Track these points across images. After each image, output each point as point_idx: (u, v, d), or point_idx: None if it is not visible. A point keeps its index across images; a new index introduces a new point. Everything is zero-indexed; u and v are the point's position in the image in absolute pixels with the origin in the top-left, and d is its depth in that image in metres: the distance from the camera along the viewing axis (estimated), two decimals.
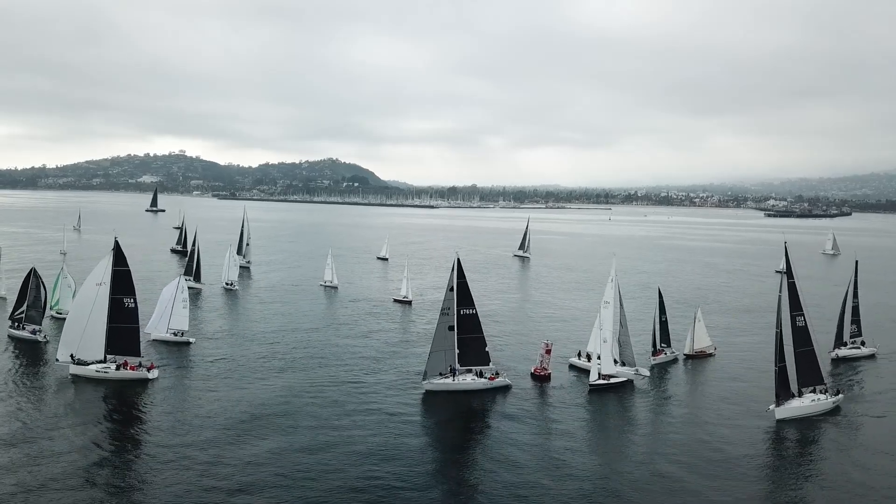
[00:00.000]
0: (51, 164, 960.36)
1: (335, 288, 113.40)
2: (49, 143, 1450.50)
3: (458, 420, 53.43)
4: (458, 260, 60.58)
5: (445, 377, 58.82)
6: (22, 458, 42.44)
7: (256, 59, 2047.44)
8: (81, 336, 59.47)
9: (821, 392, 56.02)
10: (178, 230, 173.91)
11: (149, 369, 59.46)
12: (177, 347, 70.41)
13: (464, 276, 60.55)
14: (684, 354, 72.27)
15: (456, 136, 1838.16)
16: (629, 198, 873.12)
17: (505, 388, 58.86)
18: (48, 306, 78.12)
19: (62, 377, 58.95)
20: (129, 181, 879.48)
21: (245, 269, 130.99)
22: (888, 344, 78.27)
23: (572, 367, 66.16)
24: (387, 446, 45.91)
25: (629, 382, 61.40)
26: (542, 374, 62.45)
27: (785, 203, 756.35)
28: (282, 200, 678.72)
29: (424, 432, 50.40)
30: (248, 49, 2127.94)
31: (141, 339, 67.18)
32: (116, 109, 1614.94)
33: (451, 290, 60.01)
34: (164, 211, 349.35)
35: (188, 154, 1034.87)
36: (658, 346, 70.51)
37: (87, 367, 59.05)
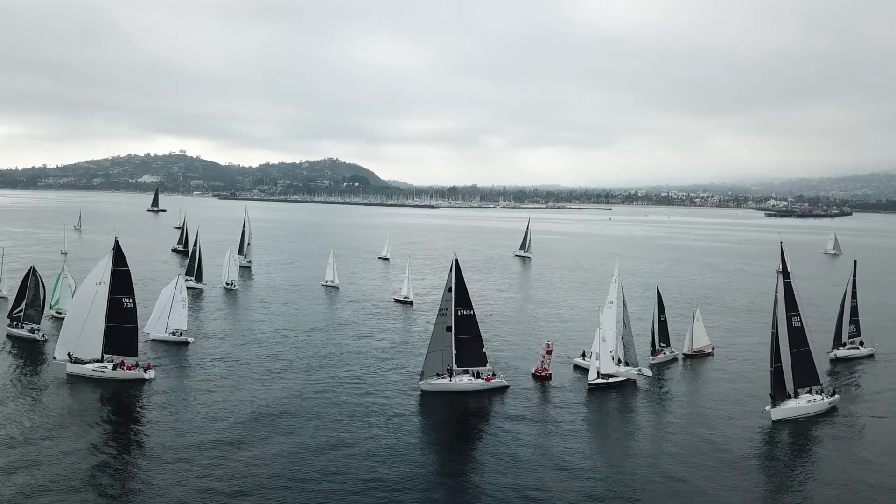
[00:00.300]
0: (51, 164, 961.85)
1: (336, 288, 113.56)
2: (49, 143, 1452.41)
3: (458, 420, 53.60)
4: (457, 260, 60.72)
5: (442, 377, 58.98)
6: (17, 458, 42.23)
7: (256, 59, 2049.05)
8: (79, 335, 59.62)
9: (817, 393, 56.03)
10: (179, 230, 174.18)
11: (145, 370, 59.46)
12: (175, 347, 70.53)
13: (462, 277, 60.67)
14: (683, 354, 72.42)
15: (456, 136, 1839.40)
16: (629, 198, 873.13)
17: (502, 389, 58.91)
18: (48, 306, 78.38)
19: (59, 376, 59.06)
20: (130, 181, 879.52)
21: (246, 269, 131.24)
22: (887, 344, 78.36)
23: (577, 367, 66.27)
24: (387, 447, 45.98)
25: (628, 382, 61.60)
26: (542, 374, 62.59)
27: (785, 203, 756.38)
28: (282, 200, 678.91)
29: (425, 433, 50.58)
30: (248, 49, 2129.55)
31: (140, 339, 67.38)
32: (116, 109, 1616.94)
33: (450, 290, 60.13)
34: (165, 211, 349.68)
35: (188, 154, 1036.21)
36: (657, 346, 70.71)
37: (84, 366, 59.17)
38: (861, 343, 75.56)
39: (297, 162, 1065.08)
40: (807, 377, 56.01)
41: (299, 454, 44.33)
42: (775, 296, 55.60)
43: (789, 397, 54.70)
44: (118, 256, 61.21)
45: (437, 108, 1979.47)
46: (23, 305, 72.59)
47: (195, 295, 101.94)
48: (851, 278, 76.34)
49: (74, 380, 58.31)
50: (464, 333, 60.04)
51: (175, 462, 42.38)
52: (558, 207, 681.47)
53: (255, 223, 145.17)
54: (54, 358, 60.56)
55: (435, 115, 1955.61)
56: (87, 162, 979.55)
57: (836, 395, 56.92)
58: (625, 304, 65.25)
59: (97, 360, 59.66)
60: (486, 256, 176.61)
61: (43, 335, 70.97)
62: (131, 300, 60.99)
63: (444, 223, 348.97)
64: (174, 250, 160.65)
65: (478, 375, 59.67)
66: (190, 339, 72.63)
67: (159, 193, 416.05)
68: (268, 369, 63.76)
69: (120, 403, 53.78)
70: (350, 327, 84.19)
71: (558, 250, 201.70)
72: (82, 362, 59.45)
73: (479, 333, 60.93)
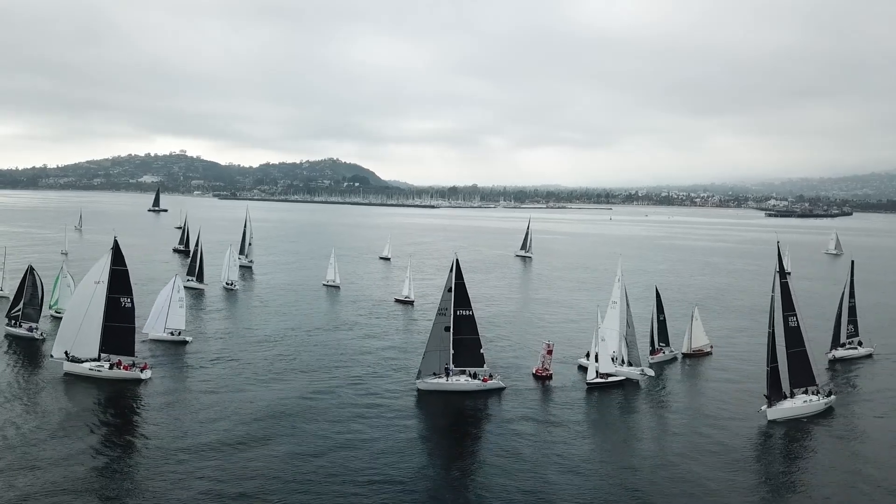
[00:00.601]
0: (51, 164, 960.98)
1: (337, 287, 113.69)
2: (50, 143, 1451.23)
3: (458, 420, 53.80)
4: (457, 261, 60.87)
5: (439, 377, 59.06)
6: (11, 459, 42.11)
7: (256, 59, 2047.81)
8: (77, 333, 59.80)
9: (813, 393, 56.09)
10: (180, 230, 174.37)
11: (142, 369, 59.53)
12: (173, 347, 70.66)
13: (462, 277, 60.79)
14: (682, 353, 72.56)
15: (456, 136, 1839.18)
16: (630, 198, 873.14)
17: (498, 390, 58.93)
18: (48, 305, 78.65)
19: (55, 375, 59.26)
20: (130, 181, 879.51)
21: (247, 269, 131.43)
22: (886, 344, 78.55)
23: (581, 367, 66.34)
24: (386, 448, 46.00)
25: (627, 381, 61.84)
26: (543, 374, 62.68)
27: (786, 203, 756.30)
28: (282, 200, 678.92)
29: (424, 434, 50.73)
30: (248, 49, 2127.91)
31: (138, 339, 67.25)
32: (117, 109, 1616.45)
33: (449, 290, 60.27)
34: (166, 211, 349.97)
35: (189, 154, 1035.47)
36: (656, 346, 70.87)
37: (80, 364, 59.34)
38: (860, 343, 75.66)
39: (298, 162, 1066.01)
40: (803, 377, 56.07)
41: (299, 455, 44.32)
42: (772, 295, 55.68)
43: (785, 397, 54.81)
44: (117, 256, 61.40)
45: (437, 108, 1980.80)
46: (21, 305, 72.83)
47: (196, 295, 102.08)
48: (849, 279, 76.52)
49: (70, 379, 58.45)
50: (462, 334, 60.18)
51: (171, 464, 42.02)
52: (559, 207, 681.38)
53: (255, 223, 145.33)
54: (51, 356, 60.81)
55: (435, 115, 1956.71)
56: (87, 162, 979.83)
57: (833, 396, 57.02)
58: (628, 304, 65.31)
59: (94, 359, 59.80)
60: (487, 256, 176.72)
61: (41, 333, 71.17)
62: (129, 300, 61.18)
63: (445, 223, 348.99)
64: (175, 250, 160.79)
65: (474, 376, 59.74)
66: (188, 339, 72.79)
67: (160, 193, 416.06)
68: (267, 369, 63.90)
69: (116, 403, 53.76)
70: (351, 327, 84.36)
71: (559, 250, 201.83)
72: (79, 361, 59.61)
73: (478, 334, 61.03)
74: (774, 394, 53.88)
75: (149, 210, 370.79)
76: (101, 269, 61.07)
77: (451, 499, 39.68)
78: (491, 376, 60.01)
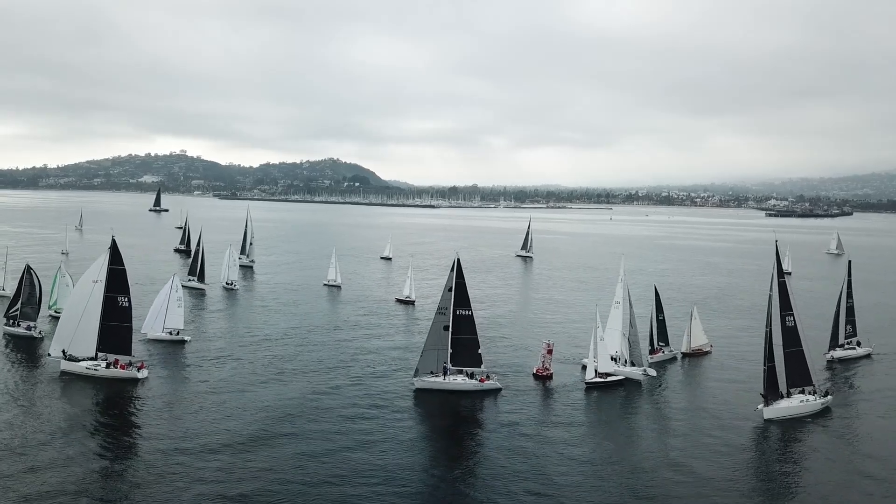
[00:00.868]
0: (52, 164, 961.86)
1: (339, 287, 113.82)
2: (50, 143, 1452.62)
3: (456, 420, 53.92)
4: (458, 260, 60.98)
5: (436, 376, 59.21)
6: (7, 457, 42.12)
7: (256, 59, 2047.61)
8: (74, 332, 60.05)
9: (810, 393, 56.22)
10: (181, 230, 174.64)
11: (139, 369, 59.70)
12: (172, 346, 70.84)
13: (462, 277, 60.92)
14: (681, 353, 72.67)
15: (456, 136, 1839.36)
16: (630, 198, 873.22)
17: (495, 391, 58.98)
18: (47, 305, 78.92)
19: (53, 374, 59.55)
20: (131, 181, 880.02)
21: (248, 269, 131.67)
22: (885, 344, 78.68)
23: (584, 367, 66.37)
24: (385, 448, 46.00)
25: (626, 381, 61.99)
26: (543, 373, 62.78)
27: (786, 203, 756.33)
28: (283, 200, 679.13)
29: (423, 434, 50.97)
30: (248, 49, 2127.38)
31: (137, 339, 67.25)
32: (117, 109, 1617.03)
33: (450, 290, 60.40)
34: (167, 210, 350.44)
35: (189, 154, 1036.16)
36: (656, 345, 70.94)
37: (77, 363, 59.57)
38: (858, 343, 75.75)
39: (298, 162, 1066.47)
40: (799, 377, 56.23)
41: (297, 455, 44.21)
42: (769, 294, 55.82)
43: (782, 397, 54.94)
44: (114, 255, 61.66)
45: (437, 108, 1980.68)
46: (19, 304, 73.08)
47: (196, 295, 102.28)
48: (846, 279, 76.66)
49: (67, 377, 58.72)
50: (461, 333, 60.31)
51: (167, 465, 41.90)
52: (559, 207, 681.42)
53: (256, 223, 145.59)
54: (48, 355, 61.06)
55: (435, 115, 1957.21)
56: (87, 162, 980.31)
57: (829, 396, 57.08)
58: (631, 304, 65.34)
59: (91, 358, 59.97)
60: (488, 256, 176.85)
61: (40, 332, 71.48)
62: (127, 299, 61.40)
63: (445, 223, 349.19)
64: (176, 250, 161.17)
65: (471, 376, 59.85)
66: (187, 339, 72.94)
67: (160, 193, 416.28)
68: (266, 369, 63.97)
69: (112, 403, 53.85)
70: (351, 327, 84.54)
71: (560, 250, 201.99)
72: (76, 360, 59.82)
73: (476, 334, 61.09)
74: (771, 393, 54.08)
75: (150, 210, 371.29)
76: (99, 269, 61.30)
77: (450, 499, 39.81)
78: (488, 377, 60.06)
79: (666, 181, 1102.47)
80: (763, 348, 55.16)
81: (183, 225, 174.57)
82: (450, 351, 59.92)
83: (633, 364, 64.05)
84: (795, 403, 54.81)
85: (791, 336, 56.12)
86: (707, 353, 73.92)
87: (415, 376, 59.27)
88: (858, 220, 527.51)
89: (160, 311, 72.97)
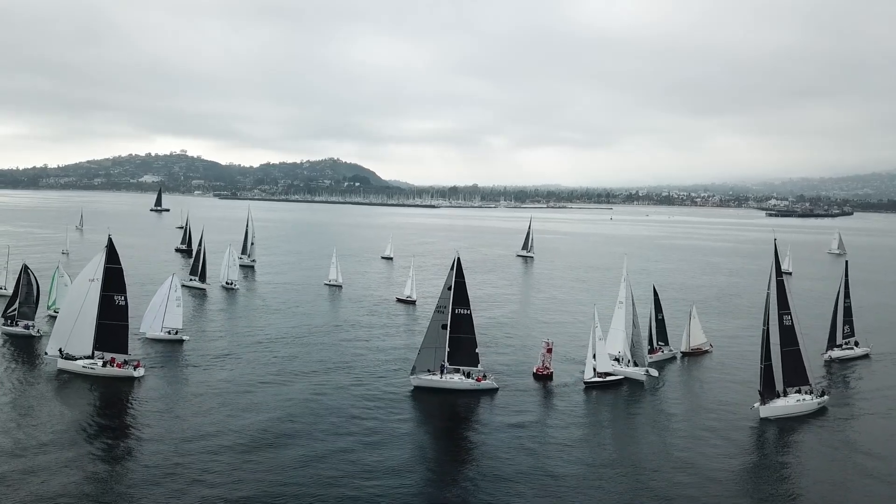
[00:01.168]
0: (52, 164, 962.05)
1: (340, 287, 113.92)
2: (50, 143, 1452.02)
3: (455, 420, 54.03)
4: (458, 259, 61.11)
5: (433, 374, 59.27)
6: (2, 456, 42.30)
7: (257, 59, 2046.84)
8: (71, 330, 60.36)
9: (806, 392, 56.33)
10: (182, 230, 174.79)
11: (135, 367, 59.92)
12: (170, 345, 71.04)
13: (462, 276, 61.08)
14: (681, 352, 72.72)
15: (457, 136, 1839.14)
16: (630, 197, 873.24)
17: (492, 391, 59.00)
18: (46, 305, 79.09)
19: (50, 372, 59.84)
20: (131, 181, 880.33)
21: (249, 269, 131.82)
22: (883, 344, 78.82)
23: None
24: (383, 448, 46.00)
25: (625, 380, 62.11)
26: (543, 373, 62.86)
27: (786, 203, 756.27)
28: (283, 200, 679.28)
29: (423, 434, 51.05)
30: (248, 49, 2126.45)
31: (135, 338, 67.56)
32: (117, 109, 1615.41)
33: (449, 288, 60.51)
34: (168, 210, 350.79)
35: (189, 154, 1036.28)
36: (655, 345, 70.96)
37: (74, 362, 59.84)
38: (856, 344, 75.83)
39: (298, 162, 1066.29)
40: (796, 376, 56.35)
41: (295, 455, 44.16)
42: (767, 293, 55.92)
43: (778, 396, 55.02)
44: (111, 254, 61.90)
45: (437, 108, 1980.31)
46: (17, 303, 73.33)
47: (198, 295, 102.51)
48: (844, 279, 76.83)
49: (64, 376, 58.96)
50: (459, 332, 60.46)
51: (163, 465, 41.70)
52: (559, 207, 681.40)
53: (257, 223, 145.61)
54: (45, 353, 61.34)
55: (435, 115, 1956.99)
56: (88, 162, 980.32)
57: (826, 396, 57.18)
58: (633, 304, 65.34)
59: (88, 357, 60.16)
60: (489, 256, 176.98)
61: (38, 330, 71.66)
62: (123, 298, 61.70)
63: (446, 223, 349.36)
64: (178, 250, 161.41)
65: (468, 375, 59.93)
66: (185, 338, 73.07)
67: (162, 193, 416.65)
68: (266, 369, 63.98)
69: (108, 402, 54.03)
70: (352, 326, 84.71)
71: (560, 250, 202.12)
72: (73, 358, 60.05)
73: (474, 333, 61.21)
74: (767, 392, 54.19)
75: (151, 210, 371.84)
76: (96, 267, 61.53)
77: (448, 499, 39.85)
78: (485, 376, 60.13)
79: (666, 181, 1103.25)
80: (760, 347, 55.17)
81: (184, 225, 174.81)
82: (447, 349, 60.06)
83: (635, 364, 64.03)
84: (792, 403, 55.00)
85: (788, 335, 56.24)
86: (706, 352, 74.10)
87: (412, 374, 59.44)
88: (859, 219, 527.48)
89: (159, 310, 73.16)
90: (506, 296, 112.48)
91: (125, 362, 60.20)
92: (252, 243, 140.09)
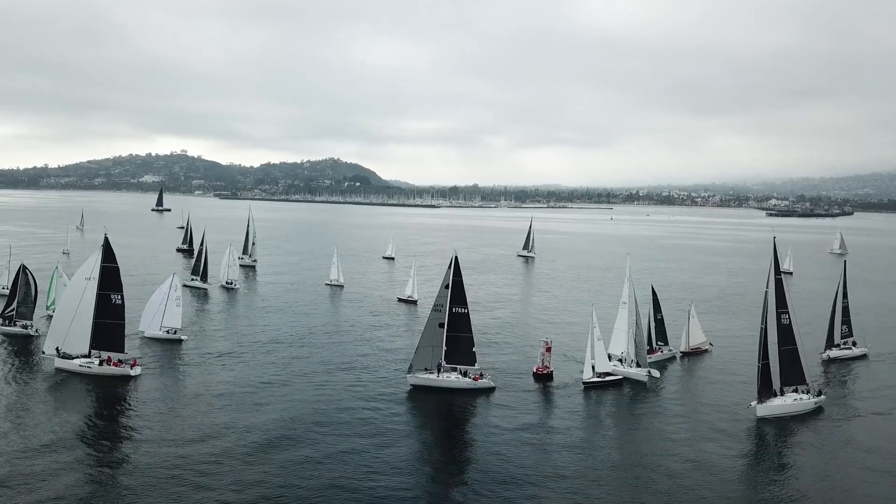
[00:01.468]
0: (52, 164, 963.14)
1: (341, 287, 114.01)
2: (50, 142, 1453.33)
3: (453, 420, 53.99)
4: (456, 258, 61.27)
5: (430, 373, 59.35)
6: None
7: (257, 59, 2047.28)
8: (68, 330, 60.58)
9: (803, 392, 56.38)
10: (183, 230, 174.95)
11: (131, 366, 60.15)
12: (168, 345, 71.22)
13: (460, 275, 61.21)
14: (680, 352, 72.80)
15: (457, 136, 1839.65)
16: (630, 197, 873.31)
17: (488, 390, 59.06)
18: (45, 306, 79.13)
19: (47, 371, 60.08)
20: (131, 181, 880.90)
21: (251, 269, 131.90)
22: (881, 344, 78.96)
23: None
24: (382, 449, 46.00)
25: (624, 380, 62.22)
26: (543, 372, 62.93)
27: (787, 203, 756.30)
28: (283, 200, 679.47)
29: (420, 433, 51.04)
30: (248, 49, 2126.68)
31: (135, 336, 67.51)
32: (117, 109, 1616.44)
33: (447, 287, 60.60)
34: (169, 210, 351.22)
35: (190, 154, 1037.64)
36: (654, 345, 70.97)
37: (71, 361, 60.09)
38: (854, 343, 75.95)
39: (299, 162, 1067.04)
40: (793, 376, 56.40)
41: (294, 455, 43.97)
42: (765, 291, 55.97)
43: (775, 395, 55.09)
44: (107, 253, 62.08)
45: (437, 108, 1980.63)
46: (14, 304, 73.48)
47: (199, 294, 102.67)
48: (842, 279, 76.99)
49: (61, 375, 59.18)
50: (456, 331, 60.58)
51: (157, 467, 41.55)
52: (560, 207, 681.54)
53: (257, 223, 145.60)
54: (43, 352, 61.60)
55: (435, 114, 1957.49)
56: (88, 162, 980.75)
57: (823, 396, 57.23)
58: (637, 304, 65.31)
59: (84, 356, 60.38)
60: (489, 256, 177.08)
61: (36, 330, 71.90)
62: (119, 297, 61.92)
63: (447, 223, 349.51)
64: (179, 250, 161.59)
65: (465, 374, 60.02)
66: (184, 338, 73.20)
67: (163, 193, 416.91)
68: (265, 369, 63.92)
69: (104, 401, 54.13)
70: (353, 326, 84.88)
71: (561, 250, 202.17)
72: (70, 357, 60.28)
73: (472, 332, 61.29)
74: (764, 391, 54.26)
75: (152, 210, 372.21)
76: (92, 267, 61.71)
77: (448, 500, 39.90)
78: (482, 375, 60.21)
79: (666, 181, 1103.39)
80: (757, 346, 55.22)
81: (185, 225, 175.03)
82: (444, 348, 60.15)
83: (638, 365, 63.99)
84: (789, 402, 55.09)
85: (786, 334, 56.30)
86: (706, 351, 74.18)
87: (408, 373, 59.53)
88: (859, 219, 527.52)
89: (158, 309, 73.39)
90: (507, 296, 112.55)
91: (120, 361, 60.47)
92: (253, 243, 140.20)
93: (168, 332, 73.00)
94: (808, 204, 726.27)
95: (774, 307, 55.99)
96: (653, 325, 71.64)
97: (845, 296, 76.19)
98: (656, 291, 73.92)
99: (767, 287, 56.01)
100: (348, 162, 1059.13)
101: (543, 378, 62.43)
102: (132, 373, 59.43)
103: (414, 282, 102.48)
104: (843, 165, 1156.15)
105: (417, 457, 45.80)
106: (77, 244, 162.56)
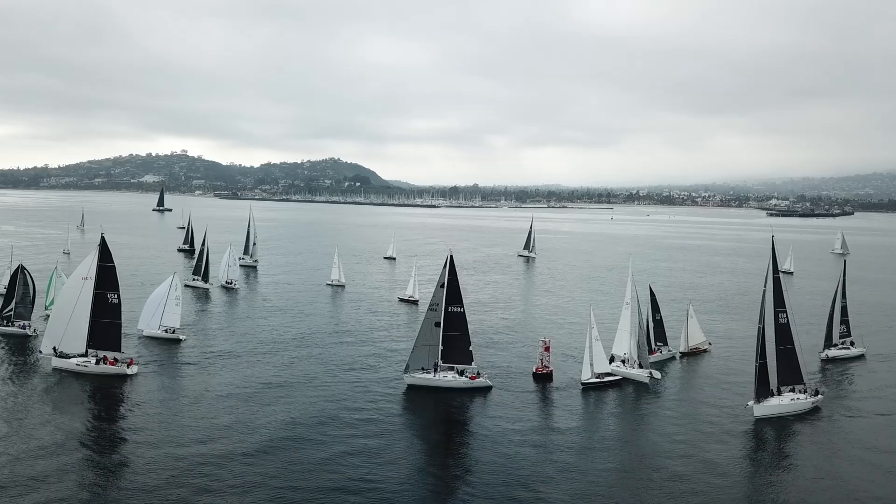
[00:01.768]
0: (53, 164, 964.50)
1: (342, 287, 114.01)
2: (51, 142, 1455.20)
3: (450, 420, 53.91)
4: (451, 257, 61.30)
5: (427, 372, 59.44)
6: None
7: (259, 59, 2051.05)
8: (65, 329, 60.82)
9: (801, 391, 56.37)
10: (184, 230, 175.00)
11: (128, 365, 60.30)
12: (167, 344, 71.34)
13: (455, 274, 61.30)
14: (680, 352, 72.80)
15: (458, 136, 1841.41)
16: (631, 197, 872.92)
17: (485, 389, 59.06)
18: (44, 305, 79.15)
19: (45, 371, 60.27)
20: (132, 181, 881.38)
21: (252, 269, 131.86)
22: (879, 344, 79.06)
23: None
24: (378, 447, 46.09)
25: (622, 380, 62.20)
26: (543, 371, 62.90)
27: (787, 203, 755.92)
28: (283, 200, 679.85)
29: (417, 432, 51.00)
30: (250, 48, 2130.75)
31: (133, 335, 67.77)
32: (118, 108, 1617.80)
33: (442, 286, 60.66)
34: (170, 210, 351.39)
35: (190, 154, 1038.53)
36: (654, 346, 70.86)
37: (68, 360, 60.31)
38: (852, 343, 76.01)
39: (299, 161, 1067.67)
40: (791, 375, 56.36)
41: (292, 456, 43.92)
42: (763, 290, 55.91)
43: (772, 394, 55.02)
44: (104, 252, 62.22)
45: (439, 107, 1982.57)
46: (12, 304, 73.59)
47: (200, 294, 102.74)
48: (841, 279, 77.11)
49: (58, 374, 59.37)
50: (452, 330, 60.66)
51: (154, 466, 41.59)
52: (560, 207, 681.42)
53: (258, 223, 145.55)
54: (40, 352, 61.85)
55: (437, 114, 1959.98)
56: (88, 162, 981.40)
57: (820, 395, 57.19)
58: (640, 305, 65.09)
59: (81, 355, 60.57)
60: (490, 256, 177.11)
61: (34, 330, 72.03)
62: (116, 296, 62.15)
63: (448, 223, 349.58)
64: (180, 250, 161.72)
65: (462, 373, 60.06)
66: (182, 337, 73.26)
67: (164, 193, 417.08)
68: (265, 369, 63.86)
69: (101, 401, 54.19)
70: (354, 326, 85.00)
71: (562, 250, 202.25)
72: (67, 356, 60.51)
73: (468, 331, 61.37)
74: (762, 390, 54.19)
75: (153, 209, 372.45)
76: (89, 266, 61.84)
77: (443, 499, 39.90)
78: (479, 374, 60.24)
79: (667, 181, 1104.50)
80: (755, 345, 55.20)
81: (185, 225, 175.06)
82: (440, 347, 60.18)
83: (640, 366, 63.85)
84: (786, 401, 55.04)
85: (784, 333, 56.17)
86: (705, 351, 74.17)
87: (405, 372, 59.55)
88: (860, 219, 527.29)
89: (158, 308, 73.51)
90: (508, 296, 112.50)
91: (115, 359, 60.66)
92: (254, 244, 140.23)
93: (167, 331, 73.11)
94: (808, 204, 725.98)
95: (772, 306, 55.86)
96: (651, 325, 71.54)
97: (844, 295, 76.32)
98: (654, 292, 73.87)
99: (765, 286, 55.93)
100: (349, 162, 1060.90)
101: (543, 378, 62.43)
102: (128, 371, 59.62)
103: (415, 282, 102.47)
104: (843, 165, 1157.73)
105: (415, 457, 45.85)
106: (77, 244, 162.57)
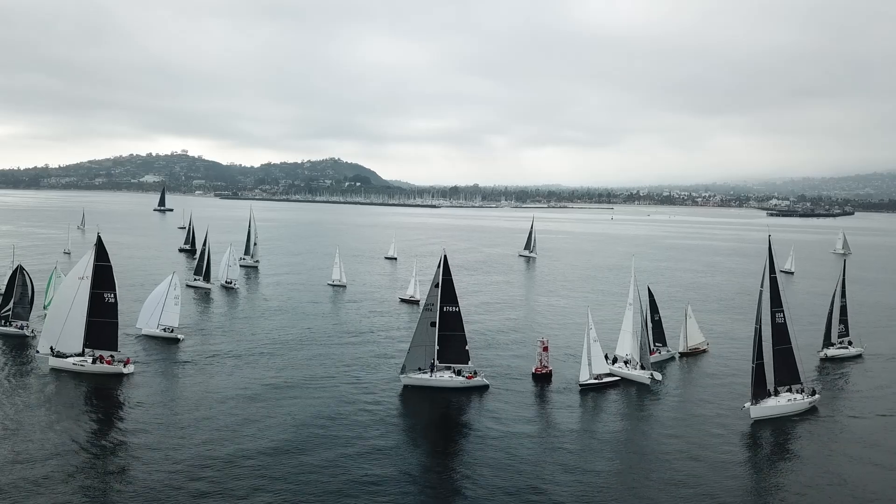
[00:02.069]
0: (53, 164, 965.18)
1: (343, 287, 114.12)
2: (51, 142, 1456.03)
3: (447, 420, 54.01)
4: (445, 257, 61.51)
5: (423, 373, 59.58)
6: None
7: (259, 59, 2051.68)
8: (62, 329, 61.08)
9: (797, 392, 56.28)
10: (184, 230, 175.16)
11: (125, 364, 60.50)
12: (165, 343, 71.53)
13: (449, 274, 61.45)
14: (679, 353, 72.82)
15: (459, 136, 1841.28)
16: (631, 197, 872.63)
17: (482, 388, 59.12)
18: (42, 304, 79.13)
19: (42, 371, 60.47)
20: (132, 181, 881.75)
21: (253, 269, 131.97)
22: (877, 344, 79.10)
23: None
24: (377, 447, 46.12)
25: (621, 381, 62.20)
26: (542, 371, 62.99)
27: (788, 203, 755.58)
28: (284, 200, 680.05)
29: (416, 432, 51.01)
30: (250, 48, 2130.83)
31: (131, 334, 68.04)
32: (119, 109, 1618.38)
33: (437, 286, 60.78)
34: (171, 210, 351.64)
35: (190, 154, 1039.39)
36: (653, 346, 70.65)
37: (65, 359, 60.56)
38: (850, 343, 76.12)
39: (299, 161, 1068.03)
40: (788, 375, 56.23)
41: (290, 456, 44.00)
42: (760, 290, 55.81)
43: (769, 395, 54.96)
44: (100, 252, 62.50)
45: (439, 107, 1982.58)
46: (10, 304, 73.80)
47: (200, 294, 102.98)
48: (841, 278, 77.26)
49: (55, 374, 59.61)
50: (448, 330, 60.77)
51: (149, 467, 41.63)
52: (560, 207, 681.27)
53: (258, 223, 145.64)
54: (37, 351, 62.12)
55: (437, 114, 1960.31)
56: (89, 162, 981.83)
57: (817, 396, 57.16)
58: (642, 306, 65.05)
59: (78, 354, 60.79)
60: (490, 256, 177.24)
61: (32, 330, 72.23)
62: (113, 295, 62.37)
63: (448, 223, 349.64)
64: (181, 250, 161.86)
65: (458, 373, 60.18)
66: (181, 337, 73.40)
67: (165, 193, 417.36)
68: (264, 370, 63.79)
69: (98, 401, 54.27)
70: (355, 326, 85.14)
71: (562, 250, 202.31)
72: (64, 356, 60.73)
73: (464, 331, 61.49)
74: (759, 391, 54.05)
75: (154, 210, 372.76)
76: (85, 266, 62.14)
77: (440, 499, 40.02)
78: (475, 374, 60.33)
79: (668, 181, 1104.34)
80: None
81: (186, 225, 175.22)
82: (437, 347, 60.32)
83: (642, 367, 63.86)
84: (783, 402, 54.87)
85: (780, 333, 55.93)
86: (704, 351, 74.24)
87: (401, 373, 59.68)
88: (860, 219, 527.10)
89: (156, 307, 73.68)
90: (508, 296, 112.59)
91: (111, 357, 60.88)
92: (255, 244, 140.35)
93: (165, 330, 73.27)
94: (809, 204, 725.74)
95: (769, 306, 55.62)
96: (650, 326, 71.49)
97: (843, 295, 76.44)
98: (653, 292, 73.82)
99: (762, 286, 55.84)
100: (349, 162, 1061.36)
101: (542, 378, 62.51)
102: (125, 371, 59.82)
103: (416, 282, 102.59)
104: (844, 165, 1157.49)
105: (415, 458, 45.92)
106: (78, 244, 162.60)
